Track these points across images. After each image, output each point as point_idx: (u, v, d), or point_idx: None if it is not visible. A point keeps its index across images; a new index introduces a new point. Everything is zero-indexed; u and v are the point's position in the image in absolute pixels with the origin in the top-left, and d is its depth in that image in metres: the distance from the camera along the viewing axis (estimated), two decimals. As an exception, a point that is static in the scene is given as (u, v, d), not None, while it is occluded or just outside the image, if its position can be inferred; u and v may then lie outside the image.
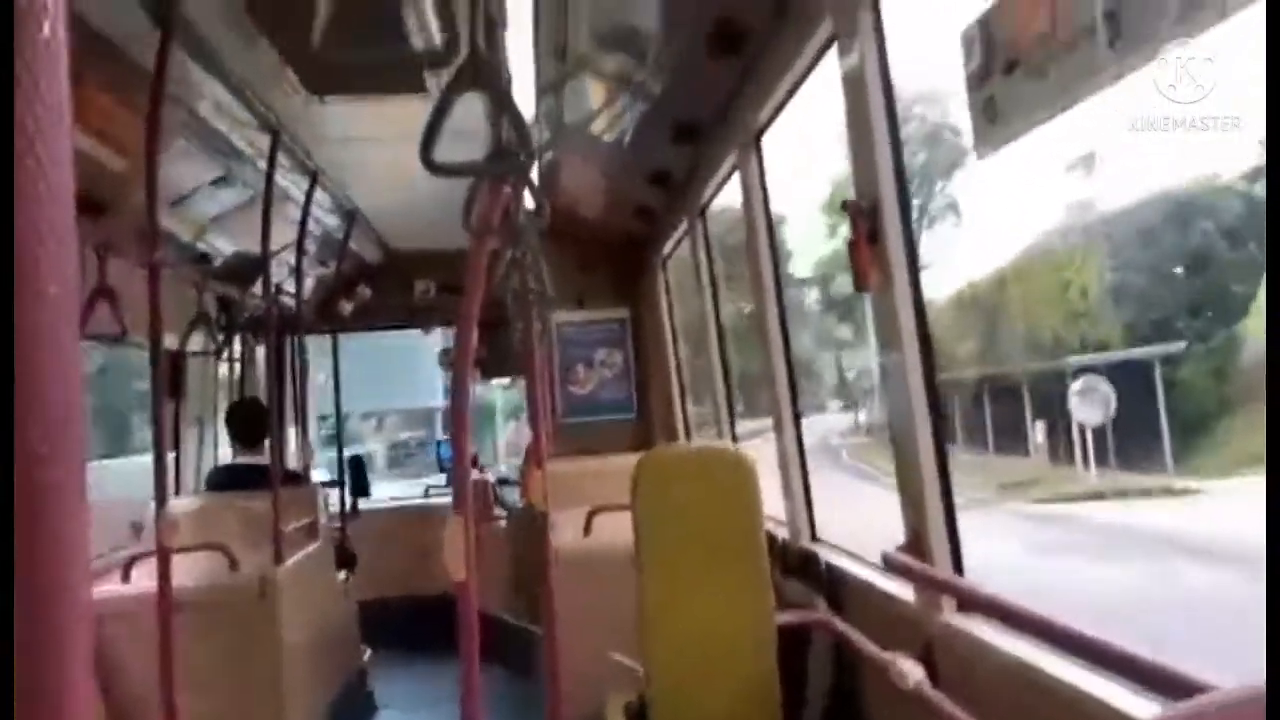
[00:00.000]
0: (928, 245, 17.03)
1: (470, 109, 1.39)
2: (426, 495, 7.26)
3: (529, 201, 2.30)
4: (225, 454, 5.22)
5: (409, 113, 3.53)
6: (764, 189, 3.19)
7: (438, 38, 2.79)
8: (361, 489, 5.82)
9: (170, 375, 4.78)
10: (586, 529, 3.96)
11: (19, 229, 0.52)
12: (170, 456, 4.45)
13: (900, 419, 2.00)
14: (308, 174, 4.38)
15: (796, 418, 3.11)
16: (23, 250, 0.52)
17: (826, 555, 2.61)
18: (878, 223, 2.04)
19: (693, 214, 4.13)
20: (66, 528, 0.52)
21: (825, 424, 21.44)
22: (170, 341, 4.26)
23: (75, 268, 0.55)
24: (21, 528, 0.50)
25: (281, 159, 4.00)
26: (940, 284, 16.47)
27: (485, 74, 1.28)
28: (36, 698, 0.51)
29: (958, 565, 1.92)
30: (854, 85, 2.11)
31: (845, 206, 2.15)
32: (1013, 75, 1.74)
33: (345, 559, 5.05)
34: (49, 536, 0.51)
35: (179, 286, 4.09)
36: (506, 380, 9.02)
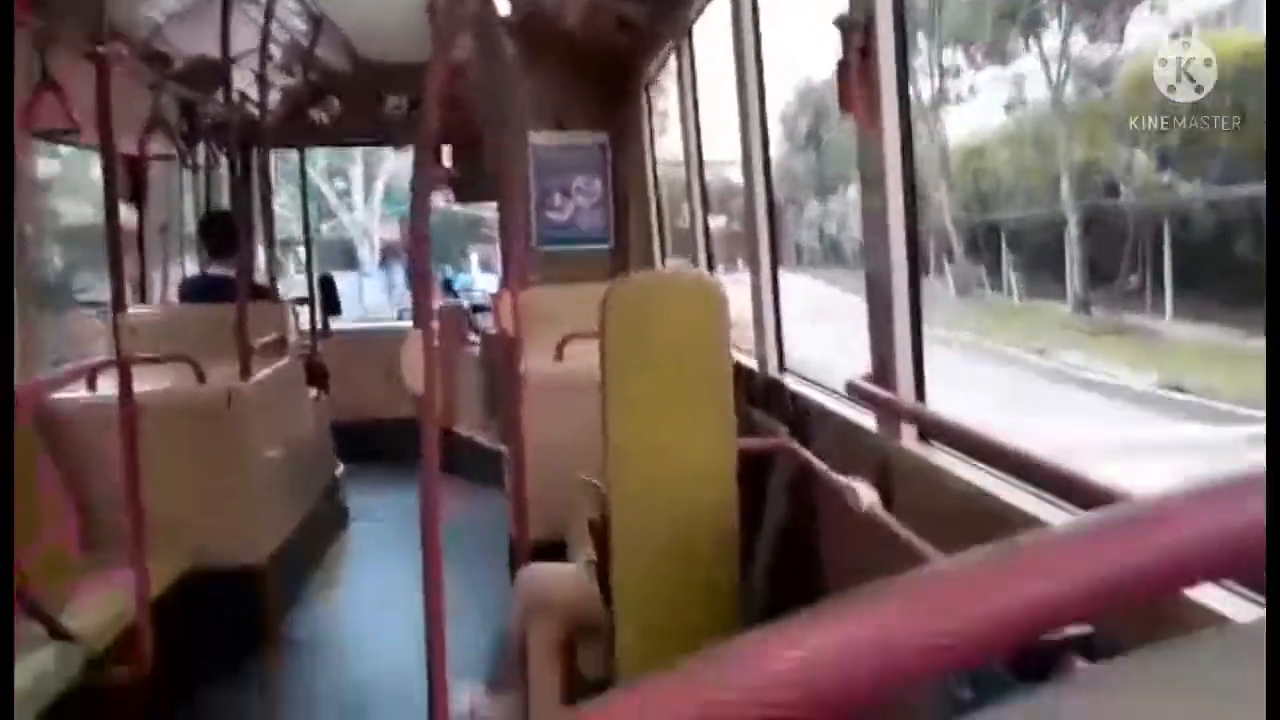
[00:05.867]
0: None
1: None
2: (400, 318, 7.25)
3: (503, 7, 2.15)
4: (193, 268, 5.15)
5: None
6: (755, 7, 3.01)
7: None
8: (332, 307, 5.78)
9: (131, 181, 4.63)
10: (558, 355, 3.97)
11: None
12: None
13: (875, 246, 1.96)
14: None
15: (774, 250, 3.06)
16: None
17: (792, 385, 2.63)
18: (871, 40, 1.93)
19: (679, 34, 3.91)
20: None
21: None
22: (128, 146, 4.08)
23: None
24: None
25: None
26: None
27: None
28: None
29: (920, 394, 1.93)
30: None
31: (839, 22, 2.03)
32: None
33: (317, 375, 5.06)
34: None
35: (134, 88, 3.88)
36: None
